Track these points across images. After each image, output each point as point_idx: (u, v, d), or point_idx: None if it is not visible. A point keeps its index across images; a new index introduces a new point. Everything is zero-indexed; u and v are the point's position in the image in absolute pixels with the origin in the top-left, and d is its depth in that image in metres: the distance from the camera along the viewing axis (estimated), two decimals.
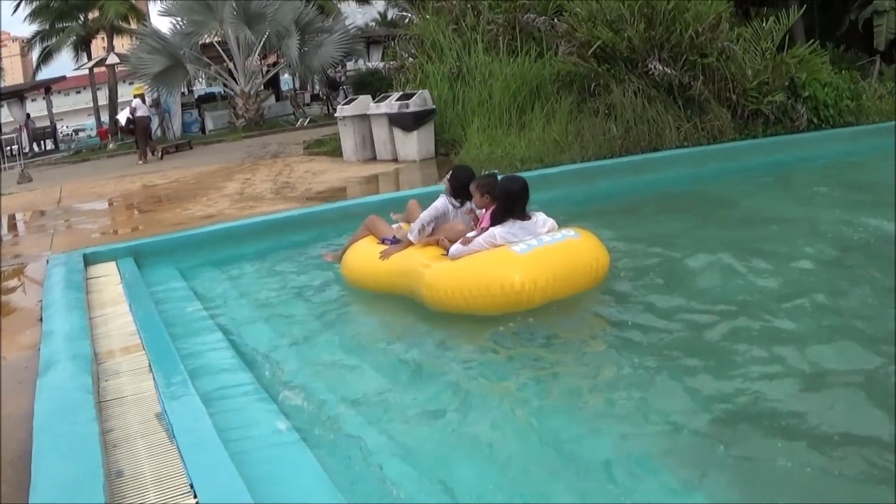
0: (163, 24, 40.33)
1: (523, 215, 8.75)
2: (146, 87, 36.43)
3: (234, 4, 32.41)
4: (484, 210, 9.22)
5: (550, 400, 6.74)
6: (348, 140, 22.85)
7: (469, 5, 23.05)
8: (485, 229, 8.84)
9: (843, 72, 22.20)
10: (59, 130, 56.46)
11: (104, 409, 6.28)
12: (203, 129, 41.82)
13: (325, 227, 13.31)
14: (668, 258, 10.21)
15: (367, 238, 10.59)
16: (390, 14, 55.32)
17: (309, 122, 36.37)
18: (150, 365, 7.21)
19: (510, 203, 8.72)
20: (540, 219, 8.86)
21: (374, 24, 55.16)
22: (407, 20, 27.71)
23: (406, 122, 20.93)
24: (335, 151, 24.24)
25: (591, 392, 6.80)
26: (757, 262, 9.70)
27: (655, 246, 10.59)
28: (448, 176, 9.85)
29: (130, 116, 31.36)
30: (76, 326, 8.42)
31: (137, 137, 31.92)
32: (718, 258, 9.93)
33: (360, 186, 18.60)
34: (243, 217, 15.07)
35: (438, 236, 9.41)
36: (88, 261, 12.05)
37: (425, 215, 9.59)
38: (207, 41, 36.15)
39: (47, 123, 52.72)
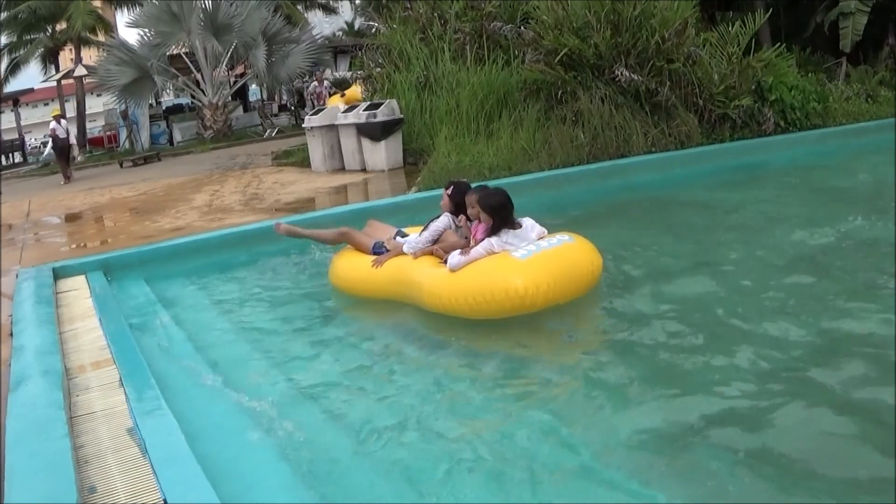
0: (130, 35, 40.22)
1: (513, 224, 8.90)
2: (113, 98, 36.42)
3: (201, 15, 32.38)
4: (476, 222, 9.33)
5: (532, 406, 6.77)
6: (317, 150, 22.84)
7: (436, 14, 23.04)
8: (480, 241, 8.97)
9: (810, 74, 22.39)
10: (28, 143, 56.15)
11: (76, 424, 6.26)
12: (171, 141, 41.60)
13: (295, 239, 13.28)
14: (640, 263, 10.36)
15: (345, 251, 10.80)
16: (357, 23, 55.37)
17: (277, 133, 36.32)
18: (121, 379, 7.19)
19: (499, 215, 8.85)
20: (528, 224, 9.03)
21: (340, 33, 55.18)
22: (374, 29, 27.78)
23: (374, 131, 20.91)
24: (304, 162, 24.22)
25: (576, 397, 6.90)
26: (729, 266, 9.94)
27: (626, 251, 10.66)
28: (449, 192, 9.87)
29: (48, 140, 31.29)
30: (47, 341, 8.41)
31: (58, 158, 31.74)
32: (690, 263, 10.22)
33: (329, 197, 18.59)
34: (212, 229, 15.06)
35: (433, 247, 9.57)
36: (58, 275, 12.00)
37: (428, 235, 9.72)
38: (175, 52, 36.10)
39: (15, 136, 52.47)
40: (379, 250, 10.32)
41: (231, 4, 33.39)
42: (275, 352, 8.86)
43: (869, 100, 23.60)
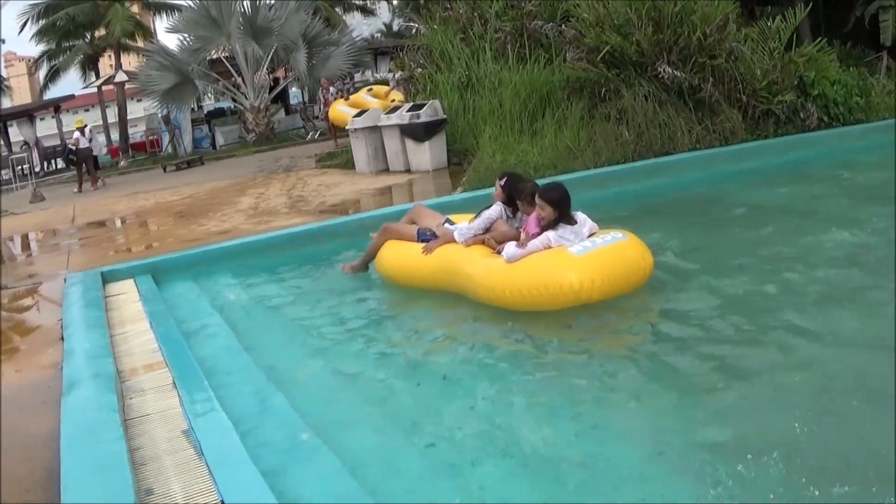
0: (170, 40, 40.43)
1: (570, 219, 9.07)
2: (155, 103, 36.63)
3: (240, 19, 32.47)
4: (527, 215, 9.59)
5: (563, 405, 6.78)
6: (360, 152, 22.86)
7: (476, 14, 23.03)
8: (534, 234, 9.13)
9: (851, 69, 22.20)
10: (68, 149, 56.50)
11: (130, 427, 6.32)
12: (214, 145, 41.90)
13: (341, 240, 13.36)
14: (687, 262, 10.29)
15: (391, 242, 10.96)
16: (395, 25, 55.39)
17: (319, 135, 36.29)
18: (173, 381, 7.27)
19: (560, 209, 9.01)
20: (582, 218, 9.16)
21: (379, 35, 55.20)
22: (414, 30, 27.81)
23: (417, 132, 20.92)
24: (347, 164, 24.22)
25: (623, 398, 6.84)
26: (776, 264, 9.79)
27: (673, 249, 10.63)
28: (502, 182, 10.08)
29: (72, 148, 31.47)
30: (98, 345, 8.49)
31: (78, 168, 32.04)
32: (739, 261, 10.08)
33: (374, 198, 18.61)
34: (259, 231, 15.10)
35: (485, 236, 9.78)
36: (106, 279, 12.11)
37: (480, 223, 9.97)
38: (215, 56, 36.18)
39: (57, 142, 52.80)
40: (425, 236, 10.54)
41: (270, 8, 33.49)
42: (327, 351, 8.90)
43: None
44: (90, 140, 31.37)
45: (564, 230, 8.99)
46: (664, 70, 18.36)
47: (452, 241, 10.04)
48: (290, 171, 26.09)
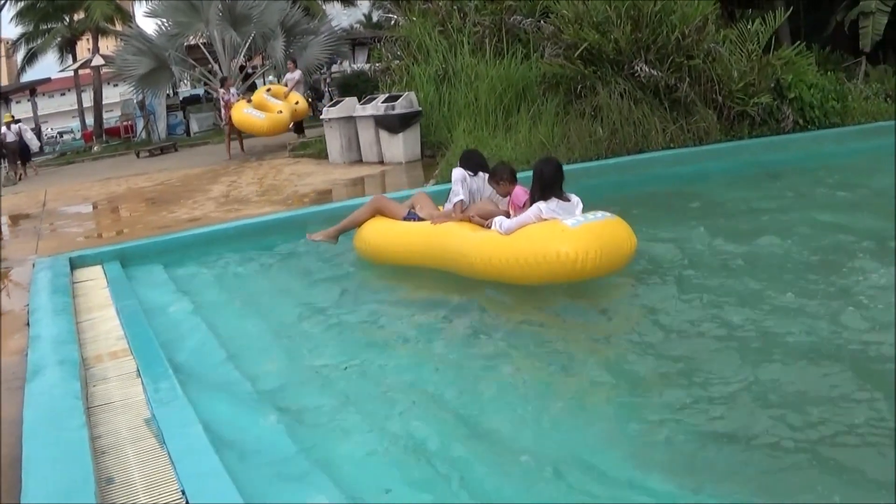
0: (148, 25, 40.16)
1: (563, 196, 9.31)
2: (130, 88, 36.37)
3: (219, 5, 32.29)
4: (508, 197, 9.99)
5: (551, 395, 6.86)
6: (334, 142, 22.82)
7: (455, 7, 22.95)
8: (521, 208, 9.55)
9: (829, 73, 22.23)
10: (44, 133, 56.17)
11: (93, 414, 6.29)
12: (188, 132, 41.73)
13: (311, 230, 13.26)
14: (656, 257, 10.41)
15: (376, 219, 11.11)
16: (375, 16, 55.31)
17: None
18: (138, 369, 7.21)
19: (548, 181, 9.26)
20: (575, 199, 9.39)
21: (358, 25, 55.14)
22: (392, 22, 27.61)
23: (392, 123, 20.90)
24: (321, 154, 24.13)
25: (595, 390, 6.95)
26: (744, 263, 9.95)
27: (644, 245, 10.63)
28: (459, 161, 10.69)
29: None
30: (63, 331, 8.47)
31: (8, 160, 32.04)
32: (706, 259, 10.28)
33: (346, 189, 18.60)
34: (229, 220, 15.09)
35: (469, 214, 10.01)
36: (74, 264, 12.07)
37: (455, 188, 10.37)
38: (193, 43, 36.00)
39: (32, 125, 52.55)
40: (412, 216, 10.76)
41: None
42: (295, 339, 8.95)
43: (888, 99, 23.46)
44: (17, 135, 31.46)
45: (556, 204, 9.18)
46: (641, 69, 18.37)
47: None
48: (262, 159, 25.99)
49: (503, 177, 10.09)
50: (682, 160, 17.48)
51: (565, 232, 8.90)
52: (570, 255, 8.71)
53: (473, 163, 10.71)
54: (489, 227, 9.61)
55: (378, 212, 11.11)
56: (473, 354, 7.99)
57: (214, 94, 35.60)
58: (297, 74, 29.50)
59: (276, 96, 27.19)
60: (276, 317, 9.83)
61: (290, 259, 12.49)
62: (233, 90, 28.24)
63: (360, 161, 22.30)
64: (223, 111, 28.90)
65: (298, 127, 30.05)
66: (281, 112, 26.71)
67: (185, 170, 25.66)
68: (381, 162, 21.53)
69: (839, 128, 20.14)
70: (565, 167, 9.70)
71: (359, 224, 11.31)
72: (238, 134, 28.23)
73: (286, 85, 29.16)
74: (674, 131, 18.52)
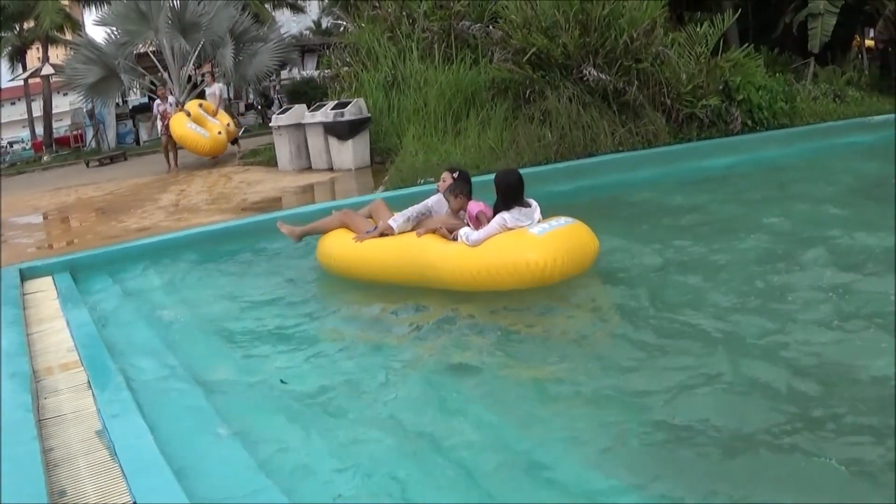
0: (98, 33, 39.89)
1: (524, 202, 9.55)
2: (80, 97, 36.15)
3: (168, 13, 32.18)
4: (463, 210, 10.02)
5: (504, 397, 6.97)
6: (283, 149, 22.75)
7: (404, 13, 22.98)
8: (475, 219, 9.67)
9: (778, 74, 22.46)
10: None
11: (44, 427, 6.25)
12: (138, 140, 41.44)
13: (261, 238, 13.30)
14: (610, 260, 10.51)
15: (340, 231, 11.04)
16: (324, 22, 55.20)
17: (244, 132, 36.11)
18: (89, 381, 7.17)
19: (512, 192, 9.56)
20: (535, 204, 9.63)
21: (308, 32, 55.00)
22: (342, 28, 27.59)
23: (341, 130, 20.85)
24: (270, 161, 24.09)
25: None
26: (694, 265, 10.16)
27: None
28: (455, 175, 10.45)
29: None
30: (14, 343, 8.41)
31: None
32: (655, 261, 10.41)
33: (296, 196, 18.58)
34: (179, 229, 15.03)
35: (436, 227, 9.98)
36: (24, 276, 11.90)
37: (416, 209, 10.38)
38: (142, 51, 35.85)
39: None
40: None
41: (199, 3, 33.24)
42: (246, 348, 8.90)
43: (836, 100, 23.73)
44: None
45: (518, 212, 9.44)
46: (589, 73, 18.41)
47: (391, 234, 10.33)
48: (212, 167, 25.84)
49: (461, 192, 10.16)
50: (631, 163, 17.54)
51: (533, 240, 9.21)
52: (539, 262, 9.01)
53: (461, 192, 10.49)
54: (455, 240, 9.70)
55: (345, 226, 11.07)
56: (425, 360, 8.02)
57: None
58: (216, 88, 28.94)
59: (206, 111, 26.58)
60: (227, 326, 9.74)
61: (241, 268, 12.42)
62: (171, 99, 27.71)
63: (309, 168, 22.25)
64: (160, 123, 28.07)
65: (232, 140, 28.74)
66: (220, 133, 26.28)
67: (135, 179, 25.48)
68: (331, 169, 21.48)
69: (788, 129, 20.27)
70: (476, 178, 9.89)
71: (322, 232, 11.30)
72: (173, 147, 27.36)
73: (208, 100, 28.36)
74: (622, 134, 18.59)
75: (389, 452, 6.05)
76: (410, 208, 10.41)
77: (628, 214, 13.67)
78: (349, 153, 20.92)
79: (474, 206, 9.77)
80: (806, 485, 5.22)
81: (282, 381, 7.72)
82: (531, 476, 5.62)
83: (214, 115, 26.93)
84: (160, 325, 9.81)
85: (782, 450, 5.59)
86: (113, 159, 34.08)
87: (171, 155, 27.29)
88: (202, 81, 34.42)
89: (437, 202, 10.42)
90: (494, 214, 9.56)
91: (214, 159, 26.75)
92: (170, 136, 26.61)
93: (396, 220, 10.33)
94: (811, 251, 9.93)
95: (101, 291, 11.55)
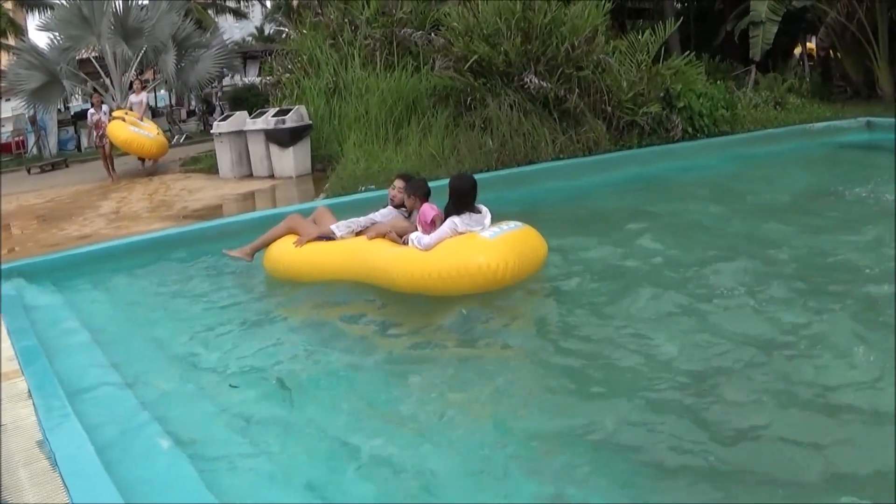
0: (41, 38, 39.62)
1: (475, 209, 9.74)
2: (23, 104, 35.86)
3: (111, 19, 32.01)
4: (415, 211, 10.22)
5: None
6: (224, 157, 22.65)
7: (346, 20, 22.97)
8: (427, 224, 9.76)
9: (719, 82, 22.60)
10: None
11: None
12: (79, 147, 41.08)
13: (202, 246, 13.36)
14: (549, 268, 10.49)
15: (287, 237, 11.11)
16: (267, 29, 55.07)
17: (185, 139, 36.01)
18: (29, 390, 7.16)
19: (464, 198, 9.73)
20: (485, 210, 9.81)
21: (251, 38, 54.89)
22: (284, 35, 27.51)
23: (282, 137, 20.79)
24: (211, 168, 23.95)
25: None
26: (636, 270, 10.30)
27: None
28: (402, 186, 10.60)
29: None
30: None
31: None
32: (597, 267, 10.54)
33: (237, 204, 18.48)
34: (119, 237, 14.97)
35: (386, 230, 10.18)
36: None
37: (361, 220, 10.60)
38: (85, 56, 35.63)
39: None
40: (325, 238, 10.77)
41: (142, 8, 33.05)
42: (188, 357, 8.84)
43: (777, 107, 23.87)
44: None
45: (469, 217, 9.60)
46: (531, 80, 18.42)
47: (322, 237, 10.63)
48: (153, 175, 25.62)
49: (416, 192, 10.29)
50: (572, 171, 17.60)
51: (484, 244, 9.34)
52: (490, 265, 9.14)
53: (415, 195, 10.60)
54: (405, 244, 9.85)
55: (292, 231, 11.13)
56: (365, 364, 8.05)
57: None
58: (143, 96, 28.36)
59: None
60: (170, 333, 9.69)
61: (182, 275, 12.37)
62: (104, 108, 27.15)
63: (250, 175, 22.18)
64: (95, 132, 27.03)
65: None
66: (159, 134, 26.20)
67: (76, 186, 25.27)
68: (272, 176, 21.45)
69: (728, 136, 20.39)
70: (435, 183, 9.97)
71: (269, 243, 11.34)
72: (110, 158, 26.51)
73: (131, 108, 27.44)
74: (563, 142, 18.61)
75: (328, 459, 6.11)
76: (355, 219, 10.57)
77: (568, 222, 13.70)
78: (290, 160, 20.88)
79: (430, 212, 9.83)
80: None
81: (231, 385, 7.75)
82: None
83: (142, 119, 26.42)
84: (102, 333, 9.68)
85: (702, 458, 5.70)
86: (54, 166, 33.77)
87: (108, 163, 26.48)
88: (144, 87, 34.24)
89: (383, 216, 10.54)
90: (445, 218, 9.67)
91: (154, 163, 26.41)
92: (105, 145, 26.00)
93: (339, 227, 10.49)
94: (743, 257, 10.12)
95: (43, 300, 11.39)
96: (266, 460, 6.22)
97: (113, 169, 26.24)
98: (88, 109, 27.71)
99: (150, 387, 7.81)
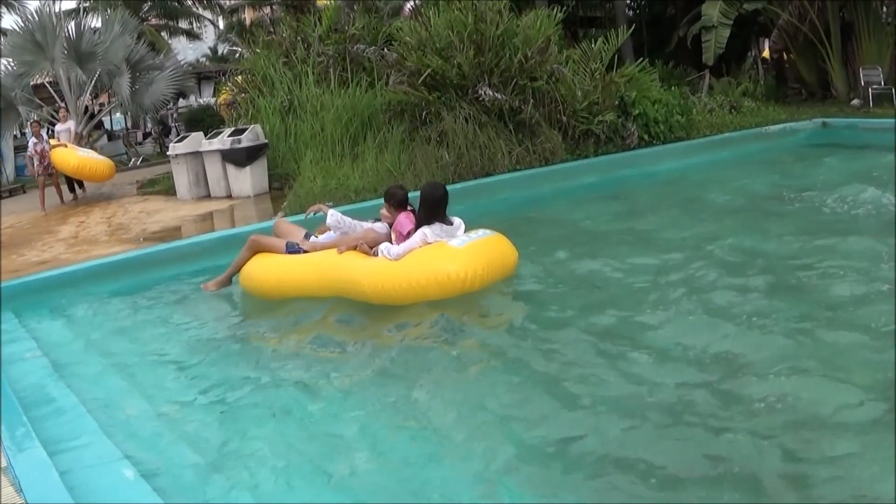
0: None
1: (446, 219, 9.90)
2: None
3: (64, 43, 31.90)
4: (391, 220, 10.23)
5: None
6: (182, 178, 22.50)
7: (299, 38, 23.00)
8: (403, 235, 9.91)
9: (673, 88, 22.68)
10: None
11: None
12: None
13: (162, 268, 13.39)
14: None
15: (258, 255, 11.16)
16: (221, 49, 54.98)
17: (142, 162, 35.93)
18: None
19: (434, 207, 9.85)
20: (458, 222, 9.99)
21: (204, 59, 54.77)
22: (237, 55, 27.46)
23: (239, 157, 20.76)
24: (169, 190, 23.80)
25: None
26: (595, 277, 10.45)
27: None
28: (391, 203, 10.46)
29: None
30: None
31: None
32: (562, 273, 10.75)
33: (196, 225, 18.44)
34: (79, 261, 14.90)
35: (356, 243, 10.20)
36: None
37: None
38: (39, 82, 35.53)
39: None
40: (293, 249, 10.86)
41: (95, 32, 32.95)
42: (151, 379, 8.84)
43: (732, 111, 24.03)
44: None
45: (440, 228, 9.74)
46: (485, 92, 18.44)
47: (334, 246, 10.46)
48: (111, 198, 25.45)
49: (392, 201, 10.28)
50: (528, 181, 17.64)
51: (453, 252, 9.56)
52: (459, 273, 9.36)
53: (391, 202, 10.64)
54: (375, 255, 9.96)
55: (257, 251, 11.18)
56: (338, 390, 7.99)
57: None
58: (70, 124, 27.64)
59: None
60: (132, 357, 9.65)
61: (143, 298, 12.27)
62: (45, 134, 26.24)
63: (208, 196, 22.08)
64: (36, 162, 25.22)
65: (72, 186, 26.54)
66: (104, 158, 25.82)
67: (34, 212, 25.10)
68: (230, 196, 21.40)
69: (684, 141, 20.46)
70: (411, 193, 10.03)
71: (242, 264, 11.34)
72: (54, 185, 25.70)
73: (57, 137, 26.78)
74: (519, 153, 18.63)
75: (306, 482, 6.13)
76: (350, 220, 10.63)
77: (526, 232, 13.69)
78: (247, 180, 20.85)
79: (407, 223, 9.96)
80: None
81: (221, 413, 7.70)
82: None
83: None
84: (64, 359, 9.66)
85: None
86: (11, 192, 33.57)
87: (47, 190, 25.34)
88: (98, 111, 34.10)
89: (378, 230, 10.50)
90: (416, 228, 9.79)
91: (84, 192, 26.12)
92: (51, 174, 25.26)
93: (333, 214, 10.63)
94: (702, 262, 10.23)
95: (3, 327, 11.38)
96: (233, 486, 6.21)
97: (44, 202, 25.10)
98: (30, 140, 26.11)
99: (114, 410, 7.85)
